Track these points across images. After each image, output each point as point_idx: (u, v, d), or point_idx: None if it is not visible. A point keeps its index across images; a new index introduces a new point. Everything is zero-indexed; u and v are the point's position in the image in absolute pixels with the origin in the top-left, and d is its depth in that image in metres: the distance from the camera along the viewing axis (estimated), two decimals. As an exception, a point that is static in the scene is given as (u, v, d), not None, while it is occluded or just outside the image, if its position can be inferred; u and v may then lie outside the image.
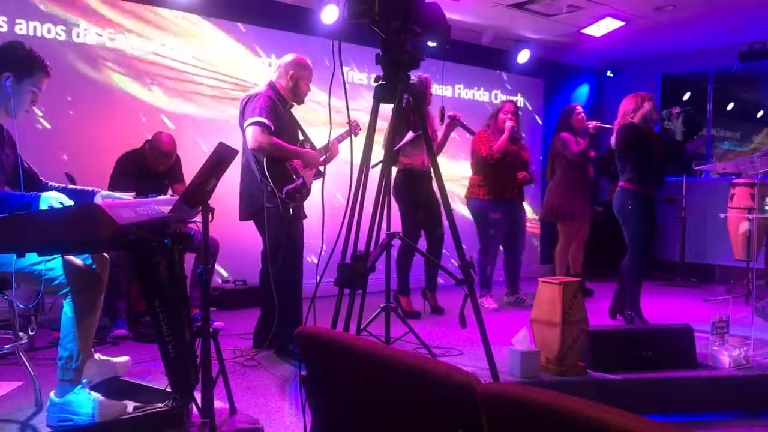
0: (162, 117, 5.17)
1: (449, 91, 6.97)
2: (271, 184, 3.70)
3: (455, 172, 6.63)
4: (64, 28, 4.76)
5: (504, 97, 7.38)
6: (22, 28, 4.58)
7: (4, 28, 4.51)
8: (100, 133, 4.92)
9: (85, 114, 4.87)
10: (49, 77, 2.70)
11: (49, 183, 2.81)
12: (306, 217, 4.02)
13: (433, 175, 3.21)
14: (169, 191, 4.48)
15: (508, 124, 5.38)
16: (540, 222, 7.10)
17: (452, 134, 5.18)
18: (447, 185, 3.22)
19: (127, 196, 2.69)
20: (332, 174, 4.00)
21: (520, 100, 7.60)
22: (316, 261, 2.80)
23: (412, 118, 4.48)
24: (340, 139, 4.12)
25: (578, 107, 5.94)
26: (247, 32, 5.65)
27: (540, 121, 7.95)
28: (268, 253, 3.77)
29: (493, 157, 5.34)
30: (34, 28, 4.63)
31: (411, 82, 2.98)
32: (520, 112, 5.75)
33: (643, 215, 4.57)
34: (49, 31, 4.69)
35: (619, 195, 4.68)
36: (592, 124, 5.71)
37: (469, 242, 6.68)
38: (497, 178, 5.43)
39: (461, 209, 6.18)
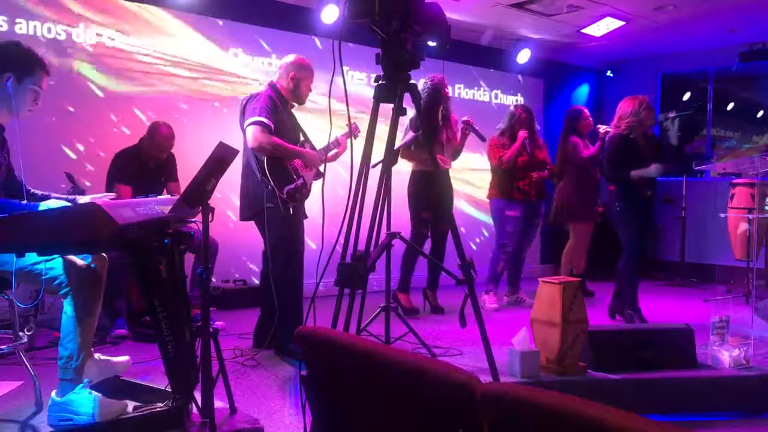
0: (161, 116, 5.15)
1: (449, 91, 6.95)
2: (272, 184, 3.70)
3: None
4: (64, 28, 4.76)
5: (502, 97, 7.39)
6: (22, 27, 4.58)
7: (4, 28, 4.51)
8: (99, 132, 4.92)
9: (85, 113, 4.87)
10: (49, 75, 2.70)
11: (32, 191, 2.78)
12: (307, 217, 4.02)
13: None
14: (164, 191, 4.49)
15: (521, 134, 5.44)
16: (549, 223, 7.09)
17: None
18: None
19: (110, 196, 2.69)
20: (332, 174, 4.00)
21: (520, 99, 7.60)
22: (316, 261, 2.79)
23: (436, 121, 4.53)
24: (347, 135, 4.12)
25: (585, 111, 5.97)
26: (247, 32, 5.65)
27: (540, 121, 7.93)
28: (269, 253, 3.77)
29: (503, 167, 5.42)
30: (35, 27, 4.63)
31: (414, 83, 2.98)
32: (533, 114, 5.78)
33: (630, 215, 4.60)
34: (49, 31, 4.69)
35: (608, 198, 4.72)
36: (602, 129, 5.71)
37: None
38: (508, 181, 5.50)
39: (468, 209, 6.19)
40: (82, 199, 2.66)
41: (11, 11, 4.54)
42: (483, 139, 5.38)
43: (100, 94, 4.94)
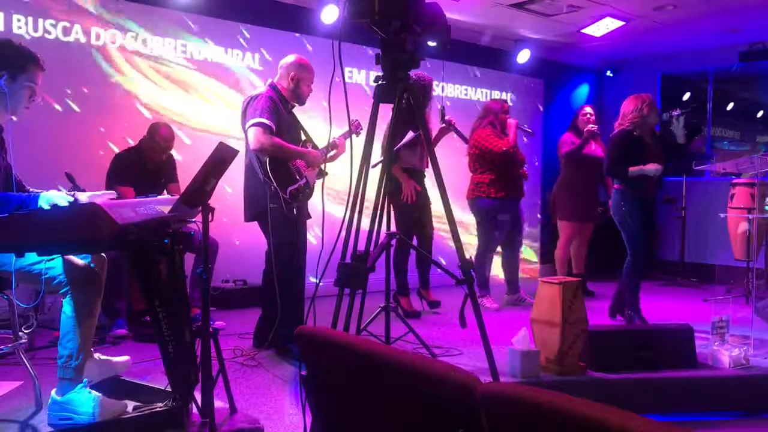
0: (163, 117, 5.15)
1: (449, 91, 6.97)
2: (274, 185, 3.70)
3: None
4: (66, 24, 4.75)
5: (505, 97, 7.40)
6: (21, 26, 4.57)
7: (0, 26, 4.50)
8: (100, 132, 4.92)
9: (85, 113, 4.87)
10: (44, 71, 2.68)
11: (32, 190, 2.78)
12: (310, 217, 4.03)
13: (433, 175, 3.23)
14: (164, 192, 4.49)
15: (512, 120, 5.42)
16: (542, 220, 7.10)
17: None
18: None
19: (110, 194, 2.68)
20: (333, 174, 4.02)
21: (520, 100, 7.61)
22: (317, 261, 2.80)
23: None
24: (345, 136, 4.13)
25: (586, 108, 5.99)
26: (246, 32, 5.65)
27: (540, 121, 7.94)
28: (272, 253, 3.78)
29: (511, 151, 5.32)
30: (35, 26, 4.63)
31: (414, 83, 2.99)
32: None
33: (638, 216, 4.57)
34: (47, 32, 4.69)
35: (613, 197, 4.70)
36: (588, 127, 5.75)
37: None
38: (509, 174, 5.44)
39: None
40: (82, 197, 2.65)
41: (9, 7, 4.54)
42: (466, 140, 5.37)
43: (100, 94, 4.93)
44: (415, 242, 5.08)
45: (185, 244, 2.56)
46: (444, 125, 5.03)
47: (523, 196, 5.70)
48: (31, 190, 2.78)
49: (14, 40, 2.69)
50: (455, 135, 5.16)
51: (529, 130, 5.60)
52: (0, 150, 2.68)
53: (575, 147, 5.75)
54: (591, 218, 5.92)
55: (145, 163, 4.54)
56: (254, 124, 3.69)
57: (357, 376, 1.41)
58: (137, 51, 5.09)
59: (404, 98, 3.00)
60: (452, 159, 6.24)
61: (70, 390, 2.51)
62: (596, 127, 5.77)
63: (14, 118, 2.65)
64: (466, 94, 7.20)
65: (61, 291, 2.54)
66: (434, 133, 5.12)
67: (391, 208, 3.78)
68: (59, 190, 2.76)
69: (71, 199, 2.46)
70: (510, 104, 5.71)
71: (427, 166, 5.07)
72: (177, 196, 2.68)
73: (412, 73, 3.06)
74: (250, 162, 3.84)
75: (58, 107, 4.72)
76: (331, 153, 4.00)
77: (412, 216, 5.05)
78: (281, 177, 3.73)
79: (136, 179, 4.37)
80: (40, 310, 4.04)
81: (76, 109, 4.82)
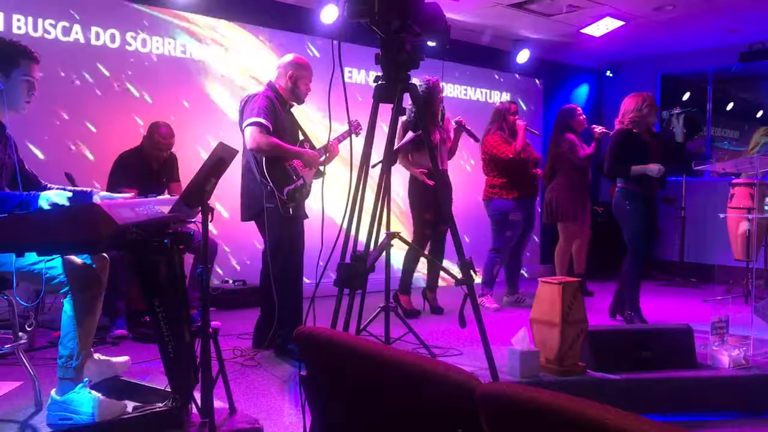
0: (163, 118, 5.15)
1: (449, 91, 6.97)
2: (271, 184, 3.70)
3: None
4: (66, 24, 4.75)
5: (505, 97, 7.40)
6: (21, 26, 4.57)
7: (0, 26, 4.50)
8: (100, 133, 4.92)
9: (85, 114, 4.87)
10: (38, 63, 2.68)
11: (48, 185, 2.80)
12: (307, 217, 4.02)
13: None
14: (166, 191, 4.49)
15: (520, 123, 5.43)
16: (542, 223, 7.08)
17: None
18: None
19: (126, 196, 2.69)
20: (333, 174, 4.02)
21: (519, 100, 7.60)
22: (316, 261, 2.80)
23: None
24: (340, 138, 4.13)
25: (578, 109, 5.96)
26: (246, 31, 5.65)
27: (540, 121, 7.94)
28: (269, 253, 3.78)
29: (517, 159, 5.35)
30: (35, 26, 4.63)
31: (414, 83, 2.98)
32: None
33: (640, 215, 4.58)
34: (48, 32, 4.69)
35: (617, 195, 4.70)
36: (598, 129, 5.72)
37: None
38: (522, 176, 5.46)
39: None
40: (96, 198, 2.66)
41: (9, 5, 4.54)
42: (477, 139, 5.39)
43: (100, 94, 4.94)
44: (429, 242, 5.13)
45: (185, 244, 2.56)
46: (456, 127, 5.10)
47: (536, 197, 5.72)
48: (47, 185, 2.79)
49: (5, 38, 2.69)
50: (468, 135, 5.21)
51: (536, 132, 5.67)
52: (3, 147, 2.67)
53: (593, 150, 5.70)
54: (587, 219, 5.92)
55: (149, 162, 4.55)
56: (251, 124, 3.69)
57: (356, 376, 1.41)
58: (137, 50, 5.10)
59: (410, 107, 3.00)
60: (454, 159, 6.24)
61: (70, 390, 2.51)
62: (604, 128, 5.77)
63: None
64: (466, 94, 7.20)
65: (62, 291, 2.54)
66: (452, 135, 5.17)
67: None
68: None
69: (69, 194, 2.47)
70: (516, 105, 5.71)
71: (444, 166, 5.09)
72: (177, 196, 2.68)
73: (420, 77, 3.06)
74: (248, 162, 3.84)
75: (57, 107, 4.72)
76: (322, 157, 3.99)
77: (423, 218, 5.07)
78: (278, 177, 3.73)
79: (139, 179, 4.36)
80: (40, 310, 4.04)
81: (75, 109, 4.83)
